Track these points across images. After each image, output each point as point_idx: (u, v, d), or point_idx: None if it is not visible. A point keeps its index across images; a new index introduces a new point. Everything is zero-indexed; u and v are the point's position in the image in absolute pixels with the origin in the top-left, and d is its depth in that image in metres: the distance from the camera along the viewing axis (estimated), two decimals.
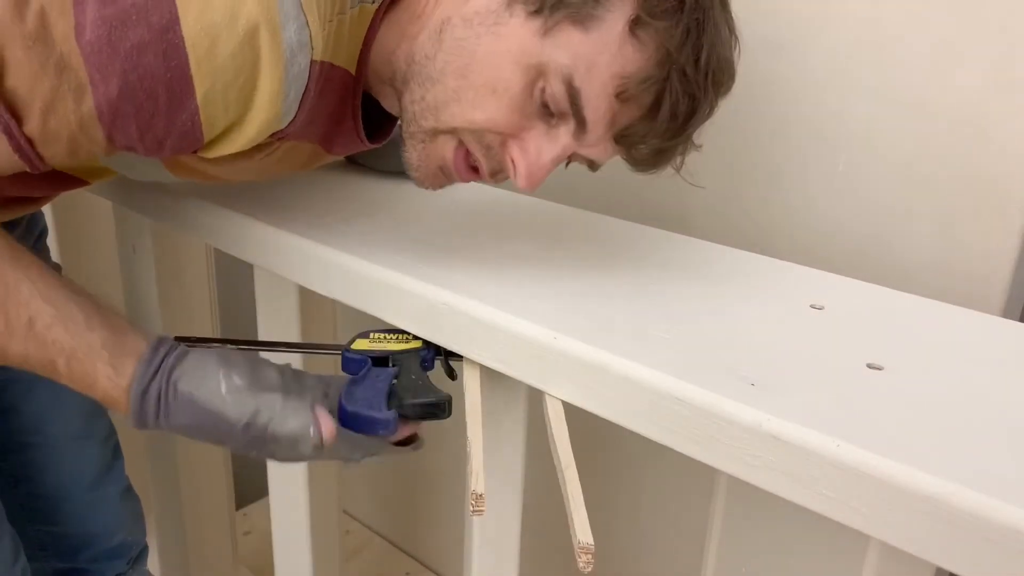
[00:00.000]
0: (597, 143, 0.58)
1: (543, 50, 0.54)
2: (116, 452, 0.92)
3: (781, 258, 0.70)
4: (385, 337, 0.64)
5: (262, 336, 0.88)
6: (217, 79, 0.50)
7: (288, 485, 0.91)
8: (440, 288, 0.60)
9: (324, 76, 0.56)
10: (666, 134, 0.57)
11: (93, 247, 1.15)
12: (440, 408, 0.58)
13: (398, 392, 0.59)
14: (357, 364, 0.62)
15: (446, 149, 0.61)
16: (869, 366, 0.52)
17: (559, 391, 0.55)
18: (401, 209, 0.78)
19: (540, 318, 0.56)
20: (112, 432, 0.92)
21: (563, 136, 0.58)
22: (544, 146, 0.58)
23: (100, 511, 0.90)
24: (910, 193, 0.80)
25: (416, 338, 0.63)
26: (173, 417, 0.56)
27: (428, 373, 0.61)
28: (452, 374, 0.62)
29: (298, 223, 0.72)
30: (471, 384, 0.60)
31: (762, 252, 0.72)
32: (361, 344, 0.64)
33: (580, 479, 0.51)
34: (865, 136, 0.82)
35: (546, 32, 0.54)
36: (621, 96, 0.55)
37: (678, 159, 0.61)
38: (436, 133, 0.60)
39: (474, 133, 0.59)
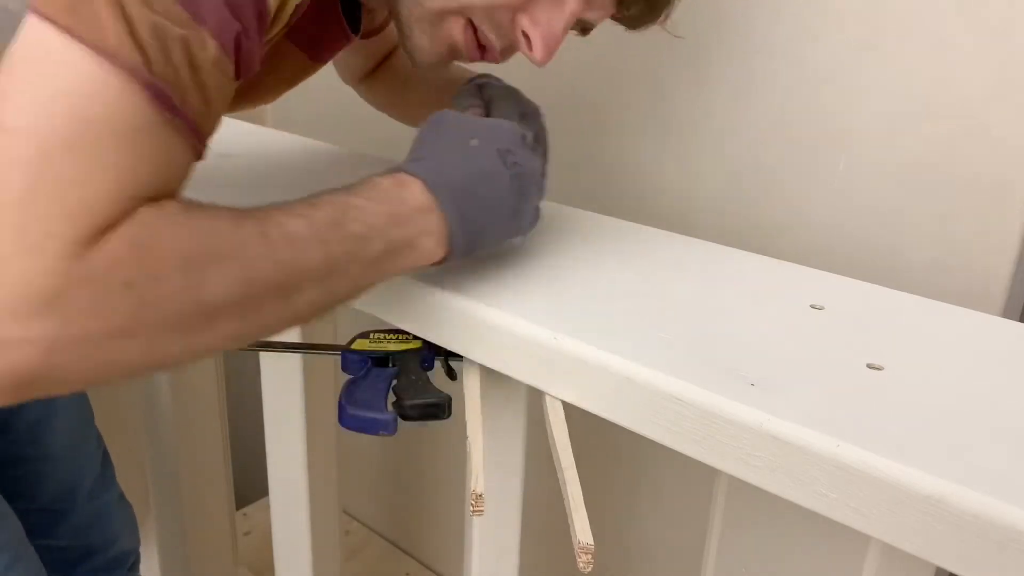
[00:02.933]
0: (603, 6, 0.61)
1: None
2: (106, 459, 0.92)
3: (781, 258, 0.70)
4: (385, 337, 0.64)
5: None
6: None
7: (288, 485, 0.91)
8: (440, 289, 0.60)
9: None
10: None
11: None
12: (440, 408, 0.58)
13: (398, 392, 0.59)
14: (357, 364, 0.62)
15: (455, 30, 0.61)
16: (869, 366, 0.52)
17: (559, 391, 0.55)
18: None
19: (540, 318, 0.56)
20: (101, 439, 0.91)
21: (570, 2, 0.60)
22: (554, 15, 0.60)
23: (99, 521, 0.90)
24: (910, 193, 0.80)
25: (416, 338, 0.63)
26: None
27: (428, 373, 0.61)
28: (452, 374, 0.62)
29: None
30: (471, 384, 0.59)
31: (762, 252, 0.72)
32: (361, 344, 0.64)
33: (580, 479, 0.51)
34: (865, 136, 0.82)
35: None
36: None
37: (664, 13, 0.65)
38: (444, 14, 0.60)
39: (484, 10, 0.59)
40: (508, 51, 0.63)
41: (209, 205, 0.44)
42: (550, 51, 0.61)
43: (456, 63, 0.69)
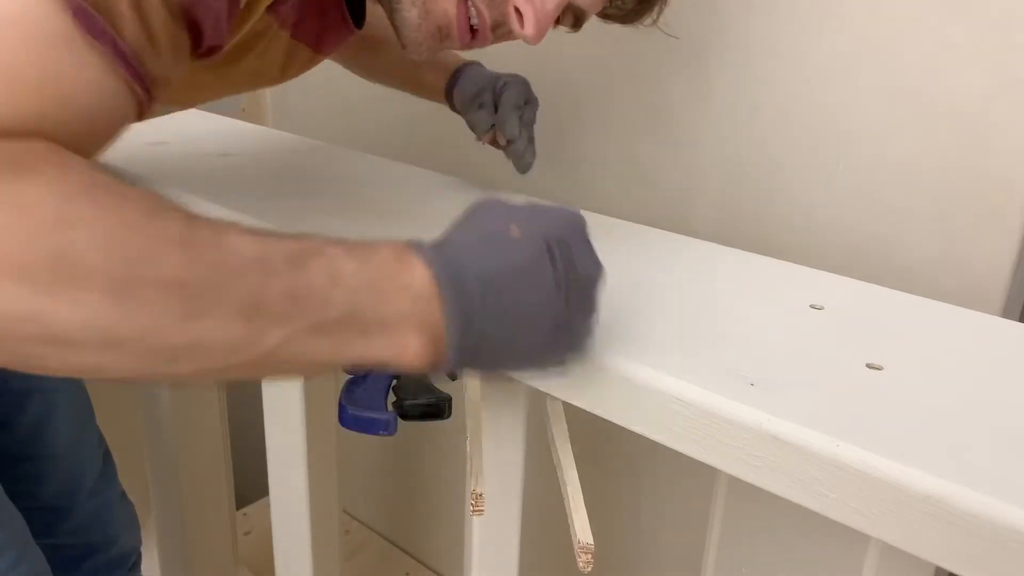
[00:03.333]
0: None
1: None
2: (107, 458, 0.91)
3: (781, 258, 0.70)
4: None
5: None
6: None
7: (288, 485, 0.91)
8: None
9: None
10: None
11: None
12: (440, 408, 0.58)
13: (398, 392, 0.59)
14: None
15: (448, 4, 0.60)
16: (869, 366, 0.52)
17: (559, 391, 0.55)
18: (401, 209, 0.78)
19: None
20: (102, 437, 0.91)
21: None
22: None
23: (101, 519, 0.89)
24: (910, 193, 0.80)
25: None
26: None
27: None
28: (452, 374, 0.62)
29: (301, 225, 0.72)
30: (471, 384, 0.59)
31: (762, 252, 0.72)
32: None
33: (580, 479, 0.51)
34: (865, 136, 0.82)
35: None
36: None
37: (657, 9, 0.65)
38: None
39: None
40: (498, 28, 0.62)
41: (131, 187, 0.36)
42: (541, 29, 0.60)
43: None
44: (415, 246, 0.43)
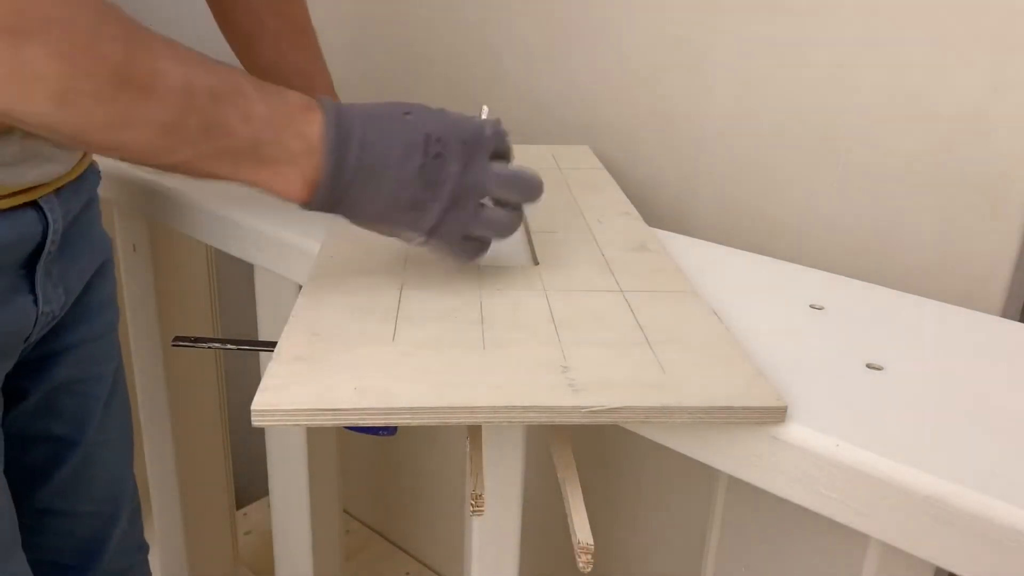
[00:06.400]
0: None
1: None
2: (135, 514, 0.89)
3: (781, 258, 0.70)
4: None
5: (262, 336, 0.88)
6: None
7: (288, 485, 0.91)
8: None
9: None
10: None
11: None
12: None
13: None
14: None
15: None
16: (869, 366, 0.52)
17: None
18: None
19: None
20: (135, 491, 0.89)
21: None
22: None
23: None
24: (910, 193, 0.80)
25: None
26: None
27: None
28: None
29: (299, 223, 0.72)
30: None
31: (762, 252, 0.72)
32: None
33: (580, 479, 0.51)
34: (865, 136, 0.82)
35: None
36: None
37: None
38: None
39: None
40: None
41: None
42: None
43: None
44: (322, 103, 0.52)
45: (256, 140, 0.49)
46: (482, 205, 0.55)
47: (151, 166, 0.49)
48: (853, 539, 0.46)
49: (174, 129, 0.46)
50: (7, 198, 0.57)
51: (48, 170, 0.61)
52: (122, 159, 0.48)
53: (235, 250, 0.79)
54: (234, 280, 1.15)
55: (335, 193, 0.52)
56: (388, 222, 0.55)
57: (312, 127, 0.51)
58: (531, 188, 0.57)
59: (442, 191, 0.53)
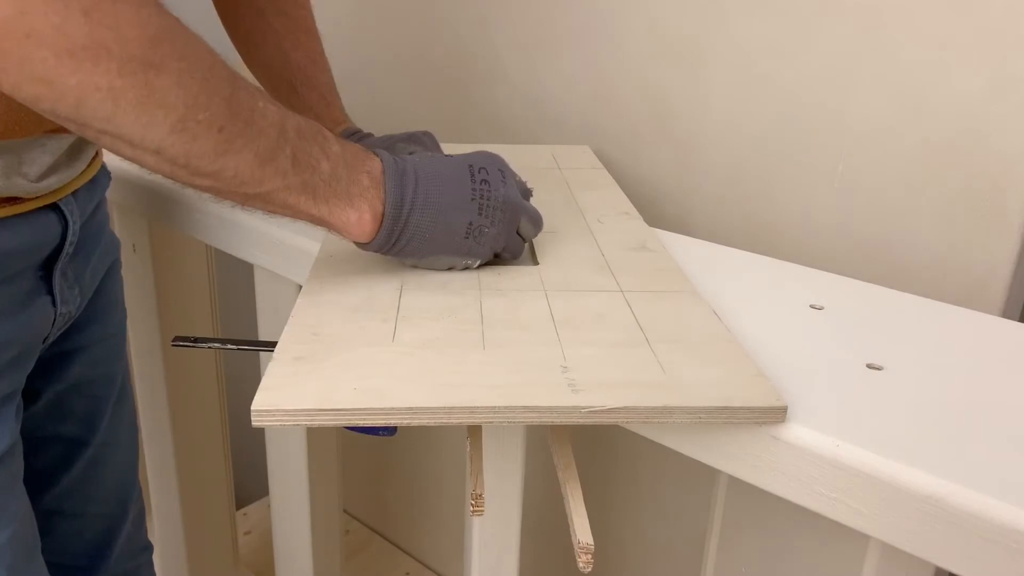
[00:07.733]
0: None
1: None
2: (140, 518, 0.89)
3: (781, 258, 0.70)
4: None
5: (262, 336, 0.88)
6: None
7: (288, 485, 0.91)
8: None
9: None
10: None
11: None
12: None
13: None
14: None
15: None
16: (869, 366, 0.52)
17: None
18: None
19: None
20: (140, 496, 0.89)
21: None
22: None
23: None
24: (910, 193, 0.80)
25: None
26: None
27: None
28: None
29: (298, 223, 0.72)
30: None
31: (762, 252, 0.72)
32: None
33: (580, 479, 0.51)
34: (865, 136, 0.82)
35: None
36: None
37: None
38: None
39: None
40: None
41: (197, 38, 0.47)
42: None
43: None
44: (373, 149, 0.58)
45: (335, 175, 0.53)
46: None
47: (233, 197, 0.52)
48: (853, 539, 0.46)
49: (268, 159, 0.50)
50: (31, 201, 0.58)
51: (68, 173, 0.61)
52: (208, 189, 0.50)
53: (235, 250, 0.79)
54: (234, 280, 1.15)
55: (398, 223, 0.56)
56: (448, 250, 0.59)
57: (374, 163, 0.56)
58: (540, 224, 0.64)
59: (495, 215, 0.59)
